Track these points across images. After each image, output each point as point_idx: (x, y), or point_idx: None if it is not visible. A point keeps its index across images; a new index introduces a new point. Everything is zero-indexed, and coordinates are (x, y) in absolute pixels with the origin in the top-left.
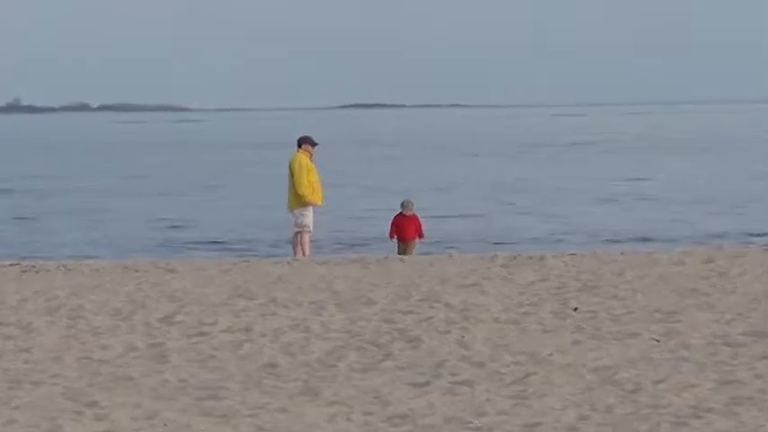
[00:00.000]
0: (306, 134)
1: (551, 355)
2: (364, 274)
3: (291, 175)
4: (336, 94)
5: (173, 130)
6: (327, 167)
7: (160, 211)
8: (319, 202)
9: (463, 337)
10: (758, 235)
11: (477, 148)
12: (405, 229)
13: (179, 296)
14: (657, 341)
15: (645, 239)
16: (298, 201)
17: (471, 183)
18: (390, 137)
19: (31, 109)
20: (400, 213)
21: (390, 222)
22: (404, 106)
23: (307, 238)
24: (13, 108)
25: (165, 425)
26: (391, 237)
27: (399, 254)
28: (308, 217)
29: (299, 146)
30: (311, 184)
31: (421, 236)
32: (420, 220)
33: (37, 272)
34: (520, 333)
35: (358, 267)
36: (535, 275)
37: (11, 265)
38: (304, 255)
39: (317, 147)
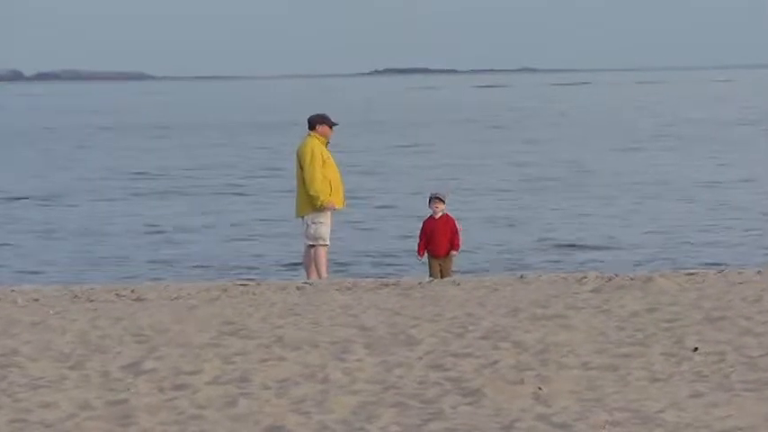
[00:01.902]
0: (318, 113)
1: (663, 412)
2: (403, 304)
3: (301, 167)
4: (366, 57)
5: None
6: (362, 156)
7: (134, 210)
8: (339, 205)
9: (540, 388)
10: None
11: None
12: (436, 239)
13: (149, 335)
14: None
15: None
16: (310, 204)
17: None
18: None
19: None
20: (430, 216)
21: (420, 230)
22: (454, 71)
23: (323, 254)
24: None
25: None
26: (420, 253)
27: (432, 276)
28: (325, 226)
29: (312, 127)
30: (328, 180)
31: (455, 246)
32: (456, 223)
33: None
34: (619, 383)
35: (394, 294)
36: (639, 303)
37: None
38: (320, 277)
39: (334, 129)
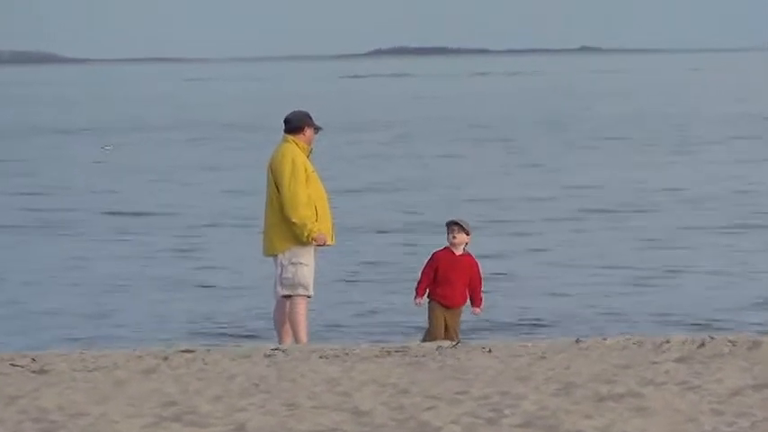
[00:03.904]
0: (300, 110)
1: None
2: (413, 378)
3: (276, 185)
4: (363, 33)
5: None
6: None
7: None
8: (329, 239)
9: None
10: None
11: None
12: (452, 281)
13: (58, 420)
14: None
15: None
16: (288, 236)
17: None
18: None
19: None
20: (445, 247)
21: (426, 264)
22: (486, 51)
23: (303, 308)
24: None
25: None
26: (420, 293)
27: (432, 331)
28: (308, 268)
29: (293, 130)
30: (313, 203)
31: (477, 300)
32: (478, 264)
33: None
34: None
35: (401, 364)
36: (744, 378)
37: None
38: (297, 340)
39: (318, 133)
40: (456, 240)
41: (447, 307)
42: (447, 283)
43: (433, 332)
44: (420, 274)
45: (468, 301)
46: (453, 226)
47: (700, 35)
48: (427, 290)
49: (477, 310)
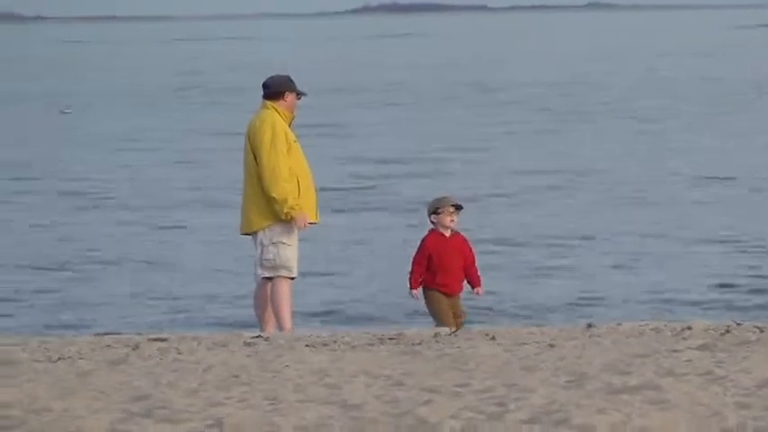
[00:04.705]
0: (280, 74)
1: None
2: (409, 369)
3: (254, 155)
4: None
5: None
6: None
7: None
8: (313, 216)
9: None
10: None
11: None
12: (447, 266)
13: (18, 417)
14: None
15: None
16: (268, 212)
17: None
18: None
19: None
20: (432, 231)
21: (417, 252)
22: (485, 8)
23: (286, 291)
24: None
25: None
26: (415, 285)
27: (440, 322)
28: (291, 248)
29: (273, 95)
30: (295, 176)
31: (475, 281)
32: (469, 244)
33: None
34: None
35: (396, 353)
36: None
37: None
38: (280, 327)
39: (301, 99)
40: (454, 224)
41: (449, 294)
42: (444, 270)
43: (443, 322)
44: (411, 264)
45: (466, 282)
46: (451, 208)
47: None
48: (422, 280)
49: (480, 290)
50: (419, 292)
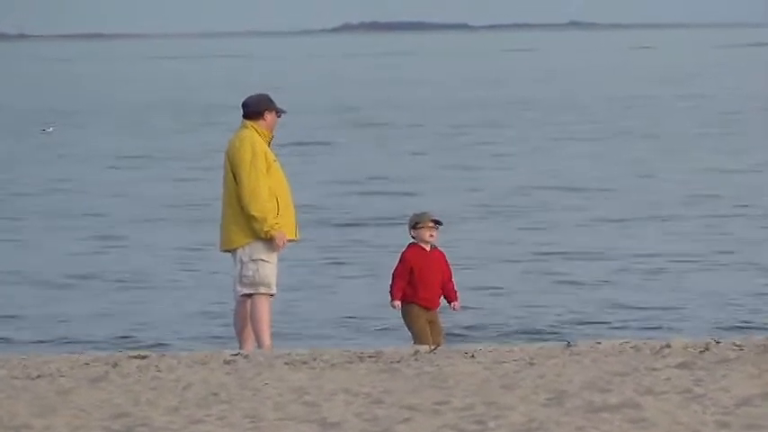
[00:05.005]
0: (259, 93)
1: None
2: (388, 387)
3: (233, 174)
4: (331, 6)
5: None
6: None
7: None
8: (292, 234)
9: None
10: None
11: None
12: (427, 280)
13: None
14: None
15: None
16: (247, 230)
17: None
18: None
19: None
20: (412, 245)
21: (398, 265)
22: (466, 26)
23: (265, 309)
24: None
25: None
26: (397, 296)
27: (416, 335)
28: (270, 265)
29: (252, 115)
30: (274, 195)
31: (451, 296)
32: (447, 259)
33: None
34: None
35: (375, 371)
36: (753, 386)
37: None
38: (260, 345)
39: (281, 117)
40: (433, 239)
41: (428, 309)
42: (424, 284)
43: (422, 337)
44: (393, 277)
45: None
46: (430, 223)
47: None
48: (403, 293)
49: (456, 304)
50: (399, 304)
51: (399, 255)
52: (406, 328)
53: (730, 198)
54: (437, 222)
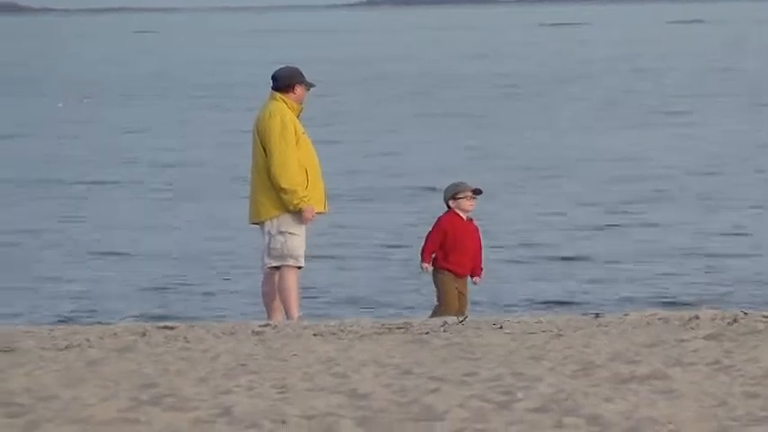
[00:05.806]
0: (290, 66)
1: None
2: (417, 358)
3: (263, 147)
4: None
5: None
6: None
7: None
8: (321, 206)
9: None
10: None
11: None
12: (462, 249)
13: (26, 404)
14: None
15: None
16: (276, 203)
17: None
18: None
19: None
20: (450, 211)
21: (433, 229)
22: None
23: (294, 280)
24: None
25: None
26: (428, 259)
27: (443, 303)
28: (298, 238)
29: (282, 87)
30: (304, 168)
31: (477, 270)
32: (480, 234)
33: None
34: None
35: (403, 342)
36: None
37: None
38: (288, 316)
39: (310, 91)
40: (473, 208)
41: (459, 275)
42: (459, 250)
43: (449, 304)
44: (425, 240)
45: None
46: (470, 192)
47: None
48: (433, 257)
49: (478, 279)
50: (430, 266)
51: (435, 220)
52: (435, 294)
53: None
54: (477, 191)
